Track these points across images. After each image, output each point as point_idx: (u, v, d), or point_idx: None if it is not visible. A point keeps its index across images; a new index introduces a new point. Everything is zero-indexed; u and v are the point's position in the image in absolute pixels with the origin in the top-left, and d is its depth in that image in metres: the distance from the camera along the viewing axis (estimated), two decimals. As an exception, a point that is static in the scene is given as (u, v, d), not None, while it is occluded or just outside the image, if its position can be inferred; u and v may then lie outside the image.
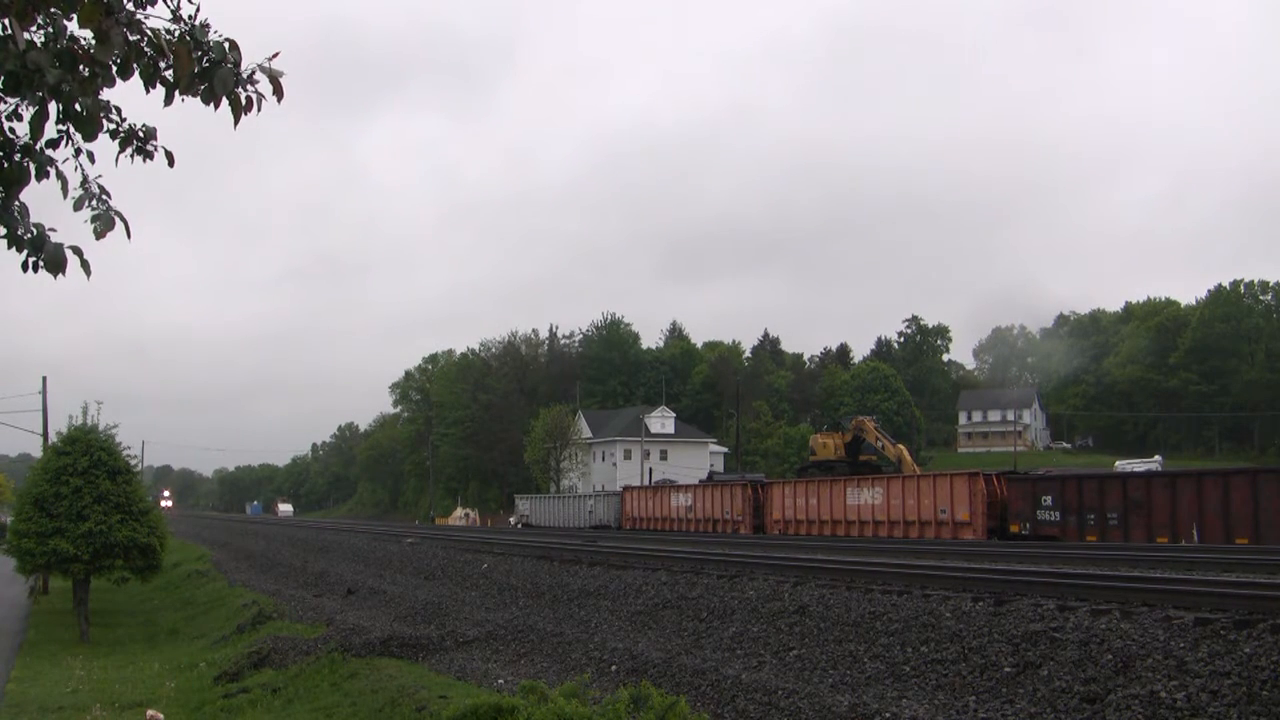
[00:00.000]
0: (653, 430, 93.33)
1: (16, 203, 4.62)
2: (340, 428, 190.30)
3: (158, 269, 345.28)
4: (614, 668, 13.80)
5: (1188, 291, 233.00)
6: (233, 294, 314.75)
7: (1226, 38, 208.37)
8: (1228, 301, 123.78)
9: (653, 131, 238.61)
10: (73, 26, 4.42)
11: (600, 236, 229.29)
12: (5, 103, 4.52)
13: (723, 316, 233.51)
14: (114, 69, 4.45)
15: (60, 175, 4.71)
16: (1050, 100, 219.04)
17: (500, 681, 13.36)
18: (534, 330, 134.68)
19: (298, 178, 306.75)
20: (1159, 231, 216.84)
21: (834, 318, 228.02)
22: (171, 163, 4.92)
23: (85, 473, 23.89)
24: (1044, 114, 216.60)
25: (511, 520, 76.02)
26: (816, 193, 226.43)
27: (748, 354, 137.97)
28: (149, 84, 4.57)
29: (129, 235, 4.85)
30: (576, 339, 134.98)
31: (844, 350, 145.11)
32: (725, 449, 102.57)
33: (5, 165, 4.58)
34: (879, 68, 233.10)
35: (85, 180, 4.76)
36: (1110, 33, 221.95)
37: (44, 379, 46.37)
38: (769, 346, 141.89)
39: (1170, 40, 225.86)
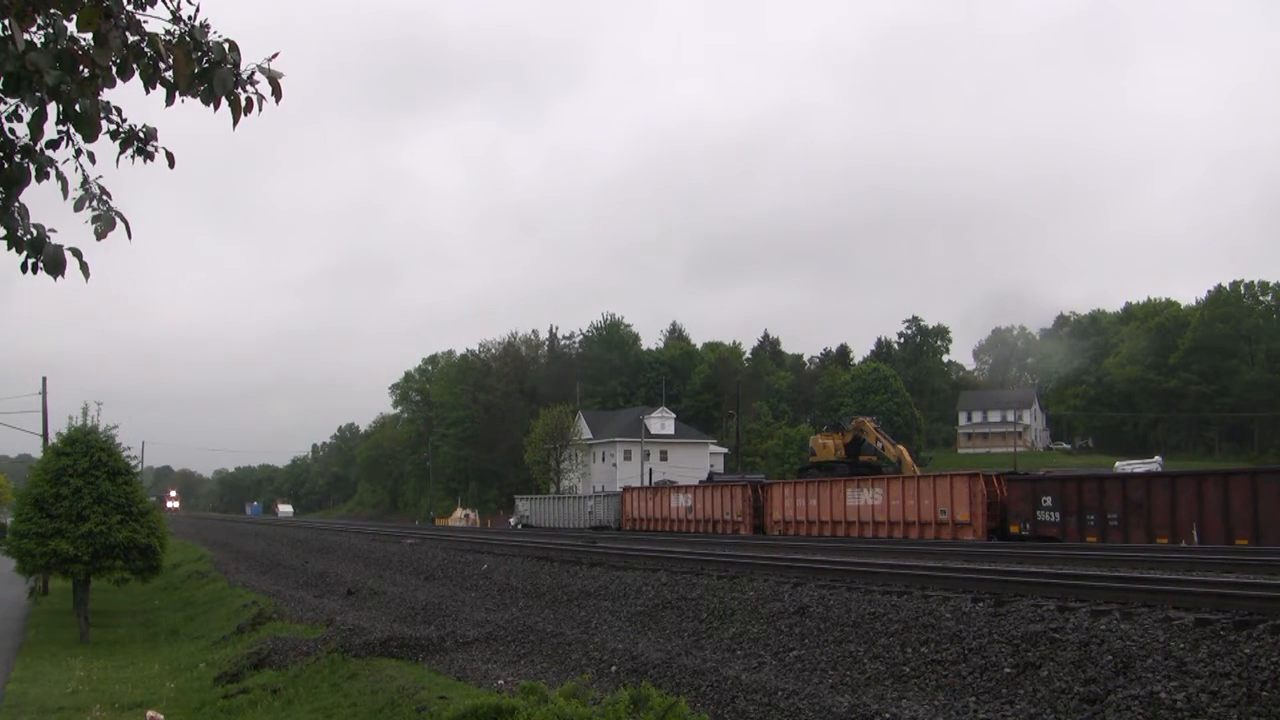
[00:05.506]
0: (653, 431, 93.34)
1: (16, 204, 4.62)
2: (340, 428, 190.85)
3: (165, 270, 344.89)
4: (614, 668, 13.79)
5: (1188, 292, 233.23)
6: (239, 296, 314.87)
7: (1237, 42, 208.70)
8: (1228, 302, 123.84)
9: (701, 132, 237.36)
10: (72, 27, 4.42)
11: (636, 239, 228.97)
12: (5, 103, 4.52)
13: (730, 319, 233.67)
14: (114, 70, 4.45)
15: (60, 176, 4.71)
16: (1067, 107, 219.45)
17: (500, 682, 13.35)
18: (534, 331, 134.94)
19: (328, 181, 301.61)
20: (1161, 234, 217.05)
21: (834, 318, 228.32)
22: (172, 164, 4.92)
23: (85, 473, 23.87)
24: (1056, 119, 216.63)
25: (511, 521, 75.95)
26: (841, 196, 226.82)
27: (748, 355, 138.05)
28: (149, 85, 4.57)
29: (129, 236, 4.86)
30: (576, 340, 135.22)
31: (844, 351, 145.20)
32: (725, 450, 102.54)
33: (5, 166, 4.58)
34: (909, 73, 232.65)
35: (86, 181, 4.76)
36: (1126, 41, 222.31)
37: (44, 379, 46.64)
38: (769, 347, 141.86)
39: (1177, 44, 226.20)
